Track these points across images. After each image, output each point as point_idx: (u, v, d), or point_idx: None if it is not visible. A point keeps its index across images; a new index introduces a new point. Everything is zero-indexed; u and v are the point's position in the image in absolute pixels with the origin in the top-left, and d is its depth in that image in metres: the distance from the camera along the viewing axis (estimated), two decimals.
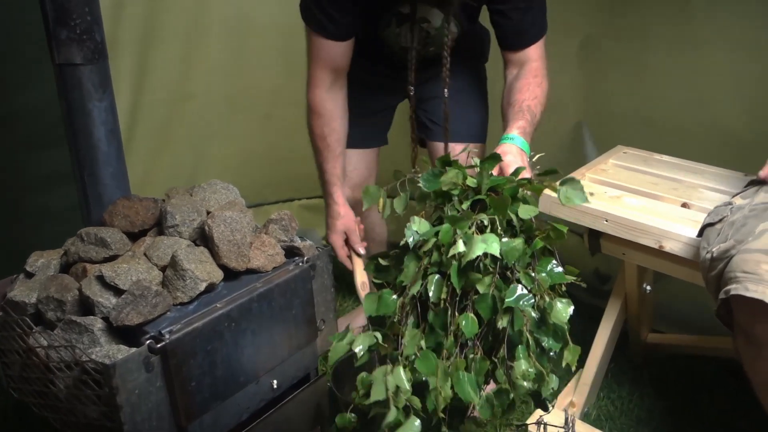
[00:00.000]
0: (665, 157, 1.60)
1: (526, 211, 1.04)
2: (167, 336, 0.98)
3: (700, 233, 1.15)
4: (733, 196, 1.19)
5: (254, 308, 1.10)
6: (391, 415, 0.98)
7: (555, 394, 1.05)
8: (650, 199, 1.39)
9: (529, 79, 1.41)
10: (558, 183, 1.11)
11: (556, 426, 1.26)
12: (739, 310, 0.95)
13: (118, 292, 1.03)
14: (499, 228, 1.01)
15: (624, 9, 1.73)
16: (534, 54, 1.42)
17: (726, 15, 1.55)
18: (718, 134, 1.63)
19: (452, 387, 0.99)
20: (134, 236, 1.18)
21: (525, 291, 1.00)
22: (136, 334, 1.01)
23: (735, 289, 0.93)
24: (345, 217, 1.54)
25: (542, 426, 1.25)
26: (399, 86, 1.57)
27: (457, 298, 1.01)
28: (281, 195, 2.33)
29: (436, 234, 1.02)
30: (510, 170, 1.16)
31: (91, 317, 1.02)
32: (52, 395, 1.04)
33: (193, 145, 2.09)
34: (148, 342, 0.97)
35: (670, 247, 1.25)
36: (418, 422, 0.98)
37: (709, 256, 1.06)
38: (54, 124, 1.38)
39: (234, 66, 2.07)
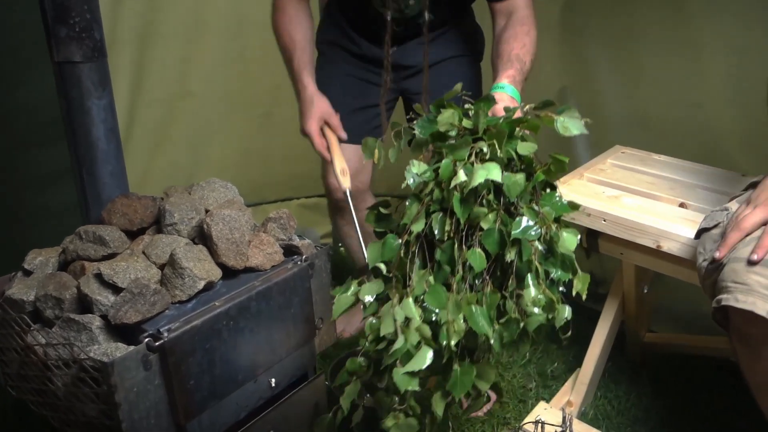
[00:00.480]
0: (663, 157, 1.60)
1: (525, 148, 1.02)
2: (166, 334, 0.98)
3: (697, 236, 1.15)
4: (730, 200, 1.19)
5: (253, 307, 1.10)
6: (399, 342, 0.95)
7: (567, 327, 1.02)
8: (648, 199, 1.40)
9: (517, 28, 1.39)
10: (556, 114, 1.08)
11: (553, 425, 1.26)
12: (734, 314, 0.96)
13: (116, 290, 1.03)
14: (499, 154, 1.00)
15: (619, 11, 1.73)
16: (521, 2, 1.41)
17: (722, 18, 1.55)
18: (714, 136, 1.63)
19: (465, 321, 0.97)
20: (133, 234, 1.18)
21: (531, 223, 0.99)
22: (134, 332, 1.02)
23: (726, 299, 0.95)
24: (320, 102, 1.46)
25: (540, 425, 1.25)
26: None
27: (463, 234, 1.00)
28: (280, 194, 2.33)
29: (436, 173, 1.01)
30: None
31: (90, 315, 1.03)
32: (51, 393, 1.04)
33: (192, 144, 2.09)
34: (146, 340, 0.97)
35: (667, 247, 1.25)
36: (430, 352, 0.96)
37: (705, 263, 1.06)
38: (52, 122, 1.38)
39: (233, 64, 2.07)
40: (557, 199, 1.04)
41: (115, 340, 1.02)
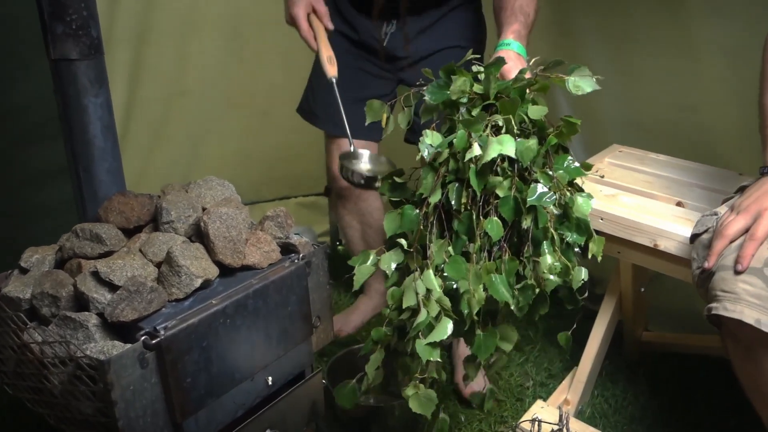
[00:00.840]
0: (660, 156, 1.61)
1: (536, 111, 1.03)
2: (162, 332, 0.98)
3: (692, 240, 1.16)
4: (723, 201, 1.20)
5: (249, 305, 1.10)
6: (422, 316, 0.98)
7: (584, 289, 1.05)
8: (645, 198, 1.40)
9: None
10: (566, 74, 1.09)
11: (550, 423, 1.26)
12: (725, 320, 0.97)
13: (113, 288, 1.03)
14: (515, 128, 1.01)
15: (616, 12, 1.73)
16: None
17: (718, 21, 1.55)
18: (710, 135, 1.64)
19: (485, 289, 1.00)
20: (129, 232, 1.18)
21: (545, 189, 1.00)
22: (131, 330, 1.01)
23: (715, 308, 0.97)
24: None
25: (537, 423, 1.26)
26: (386, 73, 1.55)
27: (480, 204, 1.01)
28: (277, 192, 2.33)
29: (450, 144, 1.02)
30: (512, 75, 1.14)
31: (86, 313, 1.02)
32: (47, 391, 1.04)
33: (189, 142, 2.09)
34: (143, 338, 0.97)
35: (664, 246, 1.25)
36: (450, 324, 0.98)
37: (697, 272, 1.08)
38: (49, 120, 1.37)
39: (230, 62, 2.07)
40: (569, 161, 1.05)
41: (111, 338, 1.02)
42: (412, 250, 1.05)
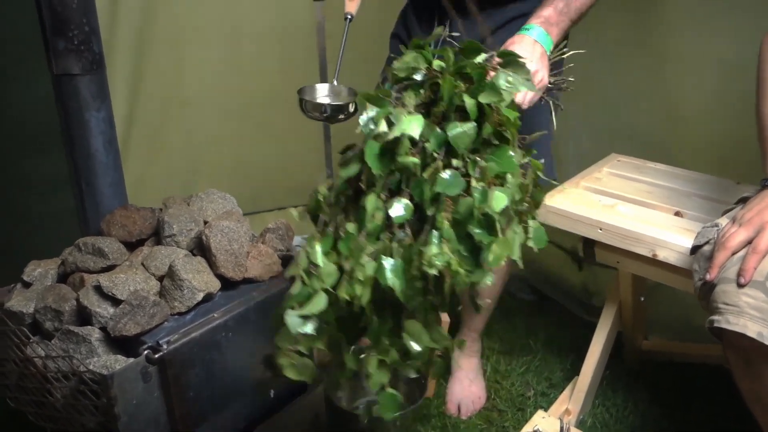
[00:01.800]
0: (658, 165, 1.61)
1: (486, 97, 0.97)
2: (165, 346, 0.99)
3: (692, 252, 1.17)
4: (723, 212, 1.21)
5: (251, 318, 1.11)
6: (296, 287, 0.94)
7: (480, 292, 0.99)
8: (644, 208, 1.40)
9: None
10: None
11: None
12: (727, 333, 0.98)
13: (115, 302, 1.03)
14: (449, 110, 0.96)
15: (612, 24, 1.75)
16: None
17: (712, 32, 1.57)
18: (707, 145, 1.65)
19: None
20: (132, 246, 1.18)
21: (460, 178, 0.94)
22: (133, 344, 1.02)
23: (718, 321, 0.97)
24: None
25: None
26: None
27: (392, 186, 0.96)
28: (277, 202, 2.33)
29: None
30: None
31: (89, 327, 1.03)
32: (50, 405, 1.04)
33: (189, 152, 2.09)
34: (145, 352, 0.97)
35: (663, 255, 1.26)
36: (323, 297, 0.93)
37: (699, 284, 1.08)
38: (51, 129, 1.38)
39: (229, 73, 2.07)
40: (510, 155, 0.97)
41: (114, 351, 1.02)
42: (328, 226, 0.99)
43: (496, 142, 0.99)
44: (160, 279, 1.10)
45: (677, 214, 1.37)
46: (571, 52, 1.06)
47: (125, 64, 1.87)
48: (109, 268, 1.12)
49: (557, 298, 2.04)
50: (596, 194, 1.47)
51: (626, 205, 1.41)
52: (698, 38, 1.62)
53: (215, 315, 1.07)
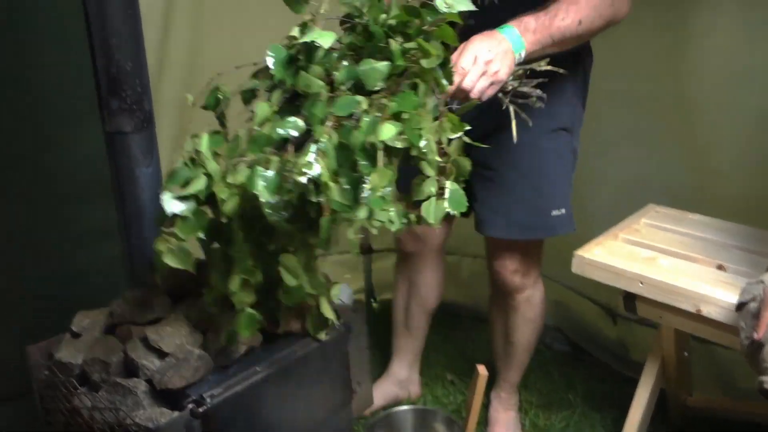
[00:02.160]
0: (697, 216, 1.60)
1: (417, 43, 0.98)
2: (209, 400, 1.00)
3: (738, 308, 1.15)
4: (767, 269, 1.19)
5: (292, 371, 1.11)
6: (177, 164, 1.00)
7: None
8: (685, 261, 1.39)
9: None
10: None
11: None
12: None
13: (161, 354, 1.05)
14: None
15: (644, 77, 1.76)
16: None
17: (743, 79, 1.58)
18: (745, 197, 1.63)
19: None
20: (178, 298, 1.21)
21: (355, 102, 0.95)
22: (177, 396, 1.03)
23: (767, 382, 0.95)
24: None
25: None
26: None
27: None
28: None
29: None
30: (461, 55, 1.06)
31: (136, 379, 1.05)
32: None
33: None
34: (190, 406, 0.99)
35: (707, 311, 1.24)
36: (204, 179, 0.98)
37: (747, 342, 1.06)
38: (98, 178, 1.42)
39: None
40: (413, 97, 0.97)
41: (159, 404, 1.04)
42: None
43: (407, 90, 0.98)
44: (204, 332, 1.12)
45: (719, 267, 1.35)
46: (548, 68, 1.04)
47: (171, 120, 1.94)
48: (156, 321, 1.14)
49: (592, 351, 2.01)
50: (636, 246, 1.46)
51: (667, 258, 1.40)
52: (732, 86, 1.62)
53: (257, 368, 1.08)
